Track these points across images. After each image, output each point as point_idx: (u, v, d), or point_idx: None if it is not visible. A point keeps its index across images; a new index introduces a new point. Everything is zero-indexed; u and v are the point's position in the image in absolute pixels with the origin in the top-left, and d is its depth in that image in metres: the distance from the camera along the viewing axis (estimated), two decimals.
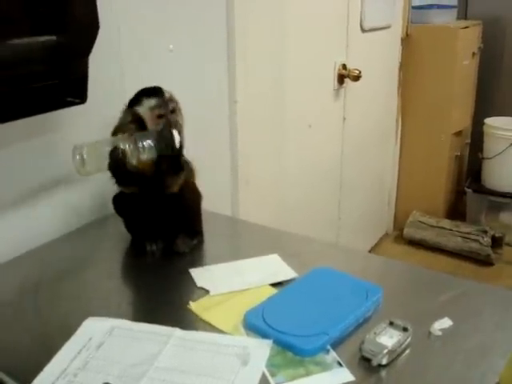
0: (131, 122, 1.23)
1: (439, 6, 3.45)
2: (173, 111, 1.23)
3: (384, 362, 0.88)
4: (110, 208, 1.37)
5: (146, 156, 1.16)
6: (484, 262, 3.22)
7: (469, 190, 3.51)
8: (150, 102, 1.22)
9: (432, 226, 3.39)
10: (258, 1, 1.95)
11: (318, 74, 2.45)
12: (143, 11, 1.53)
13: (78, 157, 1.13)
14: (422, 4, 3.37)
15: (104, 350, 0.94)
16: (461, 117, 3.51)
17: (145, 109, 1.22)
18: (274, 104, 2.16)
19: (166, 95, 1.23)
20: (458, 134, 3.52)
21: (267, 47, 2.05)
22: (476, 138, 3.68)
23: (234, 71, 1.87)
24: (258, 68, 2.01)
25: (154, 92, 1.23)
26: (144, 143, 1.15)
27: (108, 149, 1.16)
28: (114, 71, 1.48)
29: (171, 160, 1.22)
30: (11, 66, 1.04)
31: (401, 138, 3.47)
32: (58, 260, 1.29)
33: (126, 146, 1.15)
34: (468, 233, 3.27)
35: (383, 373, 0.88)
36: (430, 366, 0.89)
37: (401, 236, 3.52)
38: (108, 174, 1.21)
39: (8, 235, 1.30)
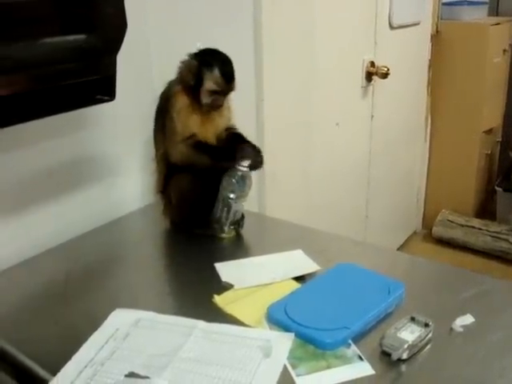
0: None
1: (470, 3, 3.40)
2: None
3: (404, 356, 0.89)
4: (135, 205, 1.40)
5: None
6: None
7: (499, 189, 3.46)
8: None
9: (461, 225, 3.35)
10: None
11: (346, 72, 2.45)
12: (171, 9, 1.55)
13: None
14: (452, 0, 3.33)
15: (130, 340, 0.96)
16: (491, 115, 3.46)
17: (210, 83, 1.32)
18: (301, 102, 2.16)
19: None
20: (489, 132, 3.47)
21: (295, 45, 2.06)
22: (507, 137, 3.63)
23: (261, 69, 1.88)
24: (285, 66, 2.02)
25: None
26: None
27: (237, 208, 1.35)
28: (143, 68, 1.50)
29: None
30: (42, 64, 1.07)
31: (430, 136, 3.43)
32: (87, 253, 1.32)
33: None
34: (497, 232, 3.23)
35: (403, 367, 0.88)
36: (450, 362, 0.90)
37: (429, 235, 3.49)
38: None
39: (39, 229, 1.33)
